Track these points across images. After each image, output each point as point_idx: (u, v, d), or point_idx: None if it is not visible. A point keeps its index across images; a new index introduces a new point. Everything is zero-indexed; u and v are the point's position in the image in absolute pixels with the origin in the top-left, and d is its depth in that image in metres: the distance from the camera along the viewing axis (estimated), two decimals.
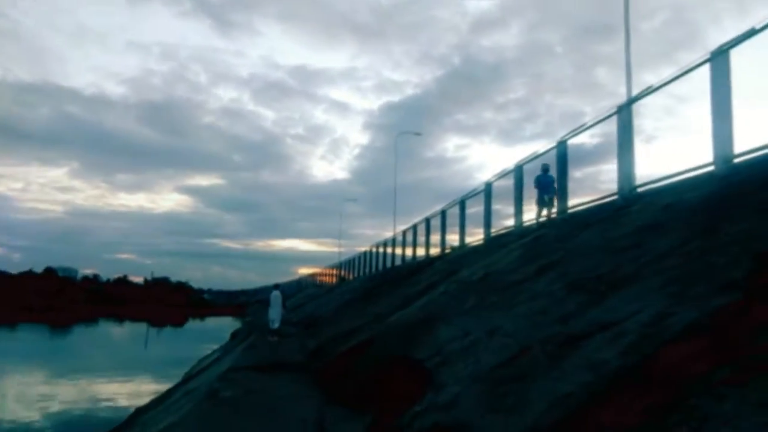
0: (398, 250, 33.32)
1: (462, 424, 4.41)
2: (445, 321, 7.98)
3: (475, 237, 22.79)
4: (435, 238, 27.71)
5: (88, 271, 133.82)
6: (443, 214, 24.23)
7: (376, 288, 21.44)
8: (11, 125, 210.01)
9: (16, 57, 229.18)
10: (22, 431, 17.25)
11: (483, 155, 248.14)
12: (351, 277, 44.14)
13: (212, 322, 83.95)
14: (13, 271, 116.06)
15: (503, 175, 17.99)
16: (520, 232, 15.22)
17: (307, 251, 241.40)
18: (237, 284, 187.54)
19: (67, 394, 24.01)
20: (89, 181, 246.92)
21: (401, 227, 40.20)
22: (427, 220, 26.55)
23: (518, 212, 16.49)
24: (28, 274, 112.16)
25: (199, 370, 18.87)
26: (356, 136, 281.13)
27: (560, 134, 14.27)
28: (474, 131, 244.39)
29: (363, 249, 51.02)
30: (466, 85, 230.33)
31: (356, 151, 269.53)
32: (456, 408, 4.77)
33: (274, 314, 19.54)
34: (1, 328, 61.77)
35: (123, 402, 21.51)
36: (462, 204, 21.88)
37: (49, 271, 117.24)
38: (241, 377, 10.30)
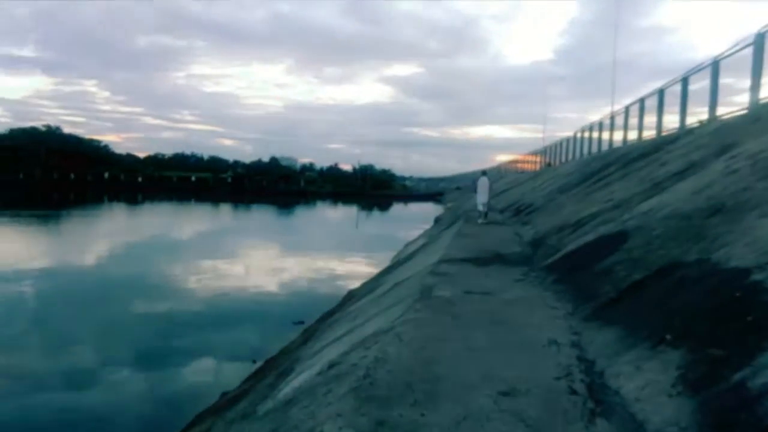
0: (616, 134, 28.85)
1: None
2: (764, 211, 5.24)
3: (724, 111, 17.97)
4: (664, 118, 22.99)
5: (306, 160, 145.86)
6: (684, 82, 19.52)
7: (598, 171, 18.30)
8: (233, 29, 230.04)
9: None
10: (263, 300, 18.65)
11: (710, 19, 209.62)
12: (558, 162, 40.42)
13: (415, 207, 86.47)
14: (246, 160, 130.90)
15: None
16: None
17: (505, 138, 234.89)
18: (436, 171, 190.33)
19: (294, 267, 26.43)
20: (301, 77, 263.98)
21: (609, 109, 35.01)
22: (661, 92, 21.89)
23: None
24: (258, 164, 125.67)
25: (407, 256, 18.13)
26: (561, 9, 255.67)
27: None
28: None
29: (566, 134, 46.29)
30: None
31: (561, 26, 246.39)
32: None
33: (482, 198, 19.48)
34: (240, 207, 70.40)
35: (340, 277, 22.92)
36: (715, 66, 17.14)
37: (274, 160, 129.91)
38: (456, 271, 8.70)
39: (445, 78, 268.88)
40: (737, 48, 15.73)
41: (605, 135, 30.84)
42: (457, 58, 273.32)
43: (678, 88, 20.44)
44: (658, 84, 21.77)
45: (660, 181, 10.04)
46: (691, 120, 19.38)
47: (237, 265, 26.46)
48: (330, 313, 12.78)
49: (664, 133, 20.94)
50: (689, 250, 5.41)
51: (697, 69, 18.74)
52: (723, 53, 16.69)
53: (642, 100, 24.46)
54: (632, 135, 25.53)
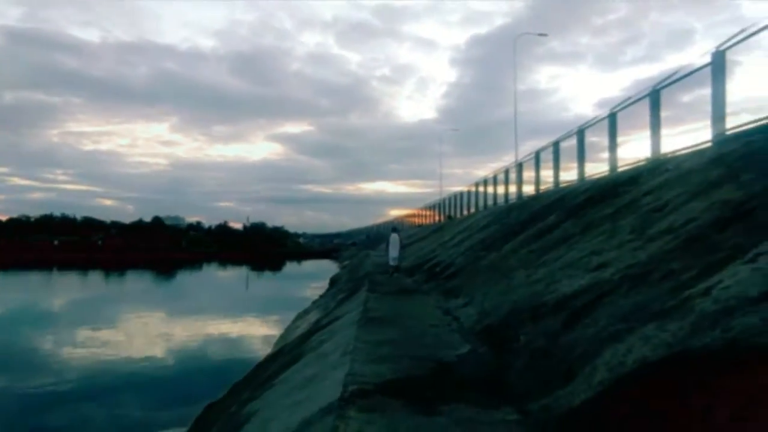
0: (525, 187, 26.07)
1: None
2: None
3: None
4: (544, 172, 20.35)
5: (193, 219, 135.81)
6: (612, 118, 16.67)
7: (530, 222, 14.52)
8: (115, 85, 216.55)
9: (115, 18, 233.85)
10: (150, 369, 16.78)
11: (578, 85, 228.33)
12: (460, 215, 37.36)
13: (309, 265, 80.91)
14: (126, 221, 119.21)
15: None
16: None
17: (397, 193, 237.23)
18: (331, 227, 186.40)
19: (185, 334, 23.49)
20: (188, 134, 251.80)
21: (493, 165, 33.27)
22: (581, 131, 19.07)
23: None
24: (139, 224, 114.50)
25: (295, 343, 13.04)
26: (443, 73, 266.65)
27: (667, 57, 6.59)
28: (569, 59, 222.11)
29: (456, 188, 44.43)
30: (560, 9, 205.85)
31: (443, 89, 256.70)
32: None
33: (394, 254, 19.63)
34: (111, 274, 61.02)
35: (233, 342, 21.14)
36: (655, 96, 14.26)
37: (157, 220, 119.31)
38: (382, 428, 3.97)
39: (337, 136, 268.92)
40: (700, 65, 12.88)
41: (511, 185, 28.13)
42: (348, 117, 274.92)
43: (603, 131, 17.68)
44: (538, 142, 19.71)
45: (699, 236, 6.03)
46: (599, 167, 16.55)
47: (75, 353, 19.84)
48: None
49: (592, 176, 17.94)
50: None
51: (628, 102, 15.97)
52: (667, 78, 13.82)
53: (556, 144, 21.71)
54: (556, 178, 22.55)
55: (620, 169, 15.82)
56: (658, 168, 11.19)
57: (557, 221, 12.37)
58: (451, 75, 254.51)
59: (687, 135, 13.69)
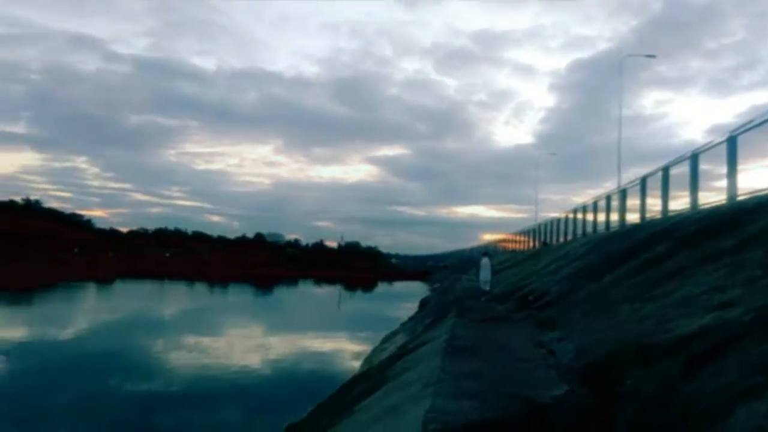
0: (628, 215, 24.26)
1: None
2: None
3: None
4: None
5: (291, 237, 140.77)
6: (729, 142, 15.00)
7: (633, 252, 13.27)
8: (227, 109, 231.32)
9: (230, 47, 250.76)
10: (246, 377, 17.67)
11: (687, 110, 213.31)
12: (556, 242, 35.60)
13: (400, 286, 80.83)
14: (231, 236, 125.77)
15: None
16: None
17: (490, 217, 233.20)
18: (423, 249, 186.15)
19: (279, 346, 24.34)
20: (291, 156, 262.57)
21: (592, 191, 32.10)
22: (695, 156, 17.37)
23: None
24: (242, 240, 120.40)
25: (381, 366, 12.65)
26: (541, 98, 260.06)
27: None
28: (677, 84, 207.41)
29: (551, 214, 42.53)
30: (669, 33, 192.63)
31: (541, 114, 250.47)
32: None
33: (485, 277, 19.54)
34: (216, 286, 64.27)
35: (323, 358, 21.70)
36: None
37: (259, 237, 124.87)
38: None
39: (432, 159, 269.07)
40: None
41: (612, 213, 26.30)
42: (443, 141, 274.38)
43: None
44: (642, 168, 18.09)
45: None
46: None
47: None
48: None
49: (707, 204, 16.22)
50: None
51: (751, 125, 14.28)
52: None
53: (666, 169, 19.96)
54: (665, 205, 20.73)
55: (740, 198, 14.17)
56: None
57: (667, 252, 11.14)
58: (550, 100, 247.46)
59: None
